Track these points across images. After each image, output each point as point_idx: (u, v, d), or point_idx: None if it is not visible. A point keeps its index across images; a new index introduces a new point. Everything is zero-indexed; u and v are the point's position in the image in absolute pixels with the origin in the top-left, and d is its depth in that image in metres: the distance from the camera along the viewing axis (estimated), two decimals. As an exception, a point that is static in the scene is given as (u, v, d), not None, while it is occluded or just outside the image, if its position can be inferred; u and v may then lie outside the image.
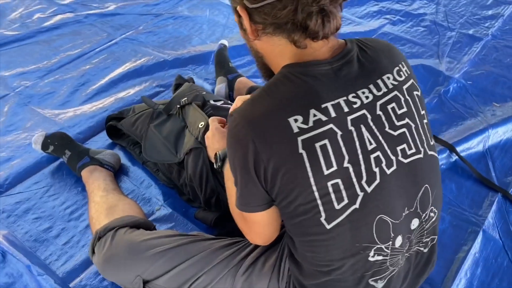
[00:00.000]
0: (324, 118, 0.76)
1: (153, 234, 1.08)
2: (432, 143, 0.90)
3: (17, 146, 1.54)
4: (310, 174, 0.76)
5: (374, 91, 0.82)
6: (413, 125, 0.85)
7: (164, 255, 1.02)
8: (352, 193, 0.78)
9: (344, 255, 0.83)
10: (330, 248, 0.82)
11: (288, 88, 0.79)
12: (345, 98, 0.79)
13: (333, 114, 0.77)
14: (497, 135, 1.57)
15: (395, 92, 0.84)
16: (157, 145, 1.38)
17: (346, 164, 0.77)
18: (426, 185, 0.87)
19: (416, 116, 0.86)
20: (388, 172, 0.80)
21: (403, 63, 0.89)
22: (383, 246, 0.83)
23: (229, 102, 1.51)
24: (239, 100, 1.23)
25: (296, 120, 0.75)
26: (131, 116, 1.48)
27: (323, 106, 0.77)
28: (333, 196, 0.77)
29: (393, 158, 0.81)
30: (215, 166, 1.10)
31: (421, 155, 0.85)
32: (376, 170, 0.79)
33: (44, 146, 1.44)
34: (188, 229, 1.30)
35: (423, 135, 0.86)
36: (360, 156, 0.78)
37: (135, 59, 1.92)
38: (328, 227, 0.80)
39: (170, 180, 1.41)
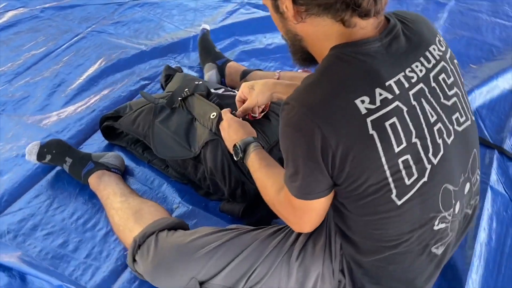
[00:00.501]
0: (390, 96, 0.76)
1: (196, 233, 1.04)
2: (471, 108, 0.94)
3: (3, 159, 1.41)
4: (381, 154, 0.76)
5: (425, 63, 0.83)
6: (460, 93, 0.87)
7: (215, 253, 0.99)
8: (421, 167, 0.79)
9: (413, 227, 0.84)
10: (400, 223, 0.84)
11: (345, 69, 0.78)
12: (403, 74, 0.79)
13: (397, 91, 0.77)
14: (482, 95, 1.66)
15: (442, 63, 0.85)
16: (167, 142, 1.31)
17: (414, 140, 0.78)
18: (475, 150, 0.90)
19: (460, 84, 0.89)
20: (449, 142, 0.83)
21: (439, 33, 0.91)
22: (446, 214, 0.86)
23: (229, 89, 1.47)
24: (244, 87, 1.21)
25: (363, 102, 0.74)
26: (129, 114, 1.40)
27: (387, 84, 0.77)
28: (403, 172, 0.78)
29: (451, 127, 0.84)
30: (235, 158, 1.10)
31: (469, 122, 0.88)
32: (440, 141, 0.81)
33: (40, 156, 1.33)
34: (212, 223, 1.26)
35: (467, 101, 0.90)
36: (425, 130, 0.79)
37: (110, 53, 1.81)
38: (398, 203, 0.81)
39: (183, 176, 1.36)
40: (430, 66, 0.83)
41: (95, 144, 1.48)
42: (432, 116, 0.81)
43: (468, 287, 1.12)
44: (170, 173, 1.38)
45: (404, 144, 0.77)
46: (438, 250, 0.91)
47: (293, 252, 1.00)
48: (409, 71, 0.80)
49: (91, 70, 1.74)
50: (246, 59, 1.82)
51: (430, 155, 0.80)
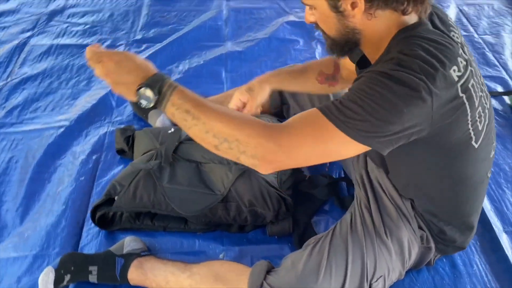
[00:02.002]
0: (464, 62, 0.87)
1: (294, 264, 1.04)
2: None
3: None
4: (468, 111, 0.88)
5: (457, 36, 0.96)
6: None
7: (330, 269, 1.01)
8: (484, 113, 0.94)
9: (483, 163, 1.00)
10: (476, 162, 0.98)
11: (429, 47, 0.84)
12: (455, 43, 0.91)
13: (466, 57, 0.89)
14: None
15: (463, 39, 0.99)
16: (188, 197, 1.24)
17: (480, 93, 0.92)
18: None
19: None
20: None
21: None
22: (495, 143, 1.04)
23: None
24: (241, 93, 1.20)
25: (454, 70, 0.84)
26: (124, 191, 1.27)
27: (460, 52, 0.88)
28: (478, 121, 0.91)
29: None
30: (144, 106, 0.85)
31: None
32: (484, 93, 0.96)
33: (58, 281, 1.12)
34: (269, 250, 1.26)
35: None
36: (481, 85, 0.94)
37: (28, 149, 1.56)
38: (476, 146, 0.94)
39: (210, 224, 1.30)
40: (460, 40, 0.95)
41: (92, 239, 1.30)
42: (477, 76, 0.95)
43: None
44: (193, 228, 1.31)
45: (478, 100, 0.90)
46: (489, 174, 1.09)
47: (380, 232, 1.07)
48: (456, 42, 0.91)
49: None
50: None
51: (485, 101, 0.95)
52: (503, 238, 1.32)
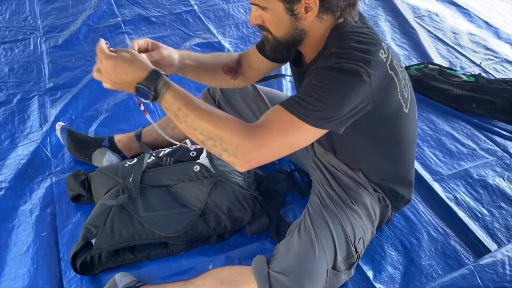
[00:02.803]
0: (386, 46, 1.06)
1: (284, 250, 1.15)
2: None
3: None
4: (397, 84, 1.07)
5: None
6: None
7: (322, 244, 1.13)
8: (406, 83, 1.14)
9: (413, 124, 1.21)
10: (408, 123, 1.18)
11: (359, 38, 1.02)
12: None
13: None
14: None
15: None
16: (167, 220, 1.28)
17: (400, 69, 1.11)
18: None
19: None
20: None
21: None
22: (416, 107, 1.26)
23: (151, 151, 1.47)
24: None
25: (382, 54, 1.02)
26: (100, 232, 1.26)
27: (381, 39, 1.07)
28: (404, 90, 1.11)
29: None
30: (145, 101, 0.98)
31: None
32: (402, 68, 1.16)
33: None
34: (253, 249, 1.35)
35: None
36: (399, 61, 1.14)
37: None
38: (406, 111, 1.15)
39: (192, 241, 1.34)
40: None
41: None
42: None
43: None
44: (176, 250, 1.34)
45: (400, 74, 1.10)
46: (416, 134, 1.31)
47: (348, 202, 1.23)
48: None
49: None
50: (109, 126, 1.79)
51: (405, 74, 1.16)
52: (435, 186, 1.57)
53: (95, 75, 0.99)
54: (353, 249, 1.18)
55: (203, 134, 0.97)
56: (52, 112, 1.87)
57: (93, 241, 1.27)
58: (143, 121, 1.82)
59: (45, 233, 1.40)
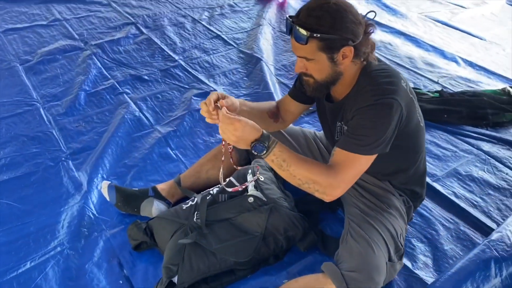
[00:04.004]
0: (403, 76, 1.37)
1: (347, 254, 1.38)
2: None
3: None
4: (416, 104, 1.39)
5: None
6: None
7: (375, 244, 1.38)
8: (417, 101, 1.46)
9: (424, 135, 1.52)
10: (423, 136, 1.50)
11: (386, 72, 1.33)
12: None
13: None
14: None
15: None
16: (238, 248, 1.48)
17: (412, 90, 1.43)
18: None
19: None
20: None
21: None
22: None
23: (215, 188, 1.67)
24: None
25: (403, 82, 1.33)
26: (180, 269, 1.43)
27: (398, 71, 1.38)
28: (418, 108, 1.43)
29: None
30: (257, 154, 1.26)
31: None
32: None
33: None
34: (307, 261, 1.57)
35: None
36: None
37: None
38: (422, 125, 1.46)
39: (254, 265, 1.53)
40: None
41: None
42: None
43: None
44: (243, 275, 1.52)
45: (415, 95, 1.41)
46: None
47: (383, 207, 1.51)
48: None
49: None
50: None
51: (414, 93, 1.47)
52: (436, 186, 1.89)
53: (221, 133, 1.27)
54: (399, 243, 1.44)
55: (300, 180, 1.28)
56: (82, 175, 2.00)
57: (174, 279, 1.44)
58: (170, 170, 2.01)
59: (121, 281, 1.53)
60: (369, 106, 1.28)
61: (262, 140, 1.25)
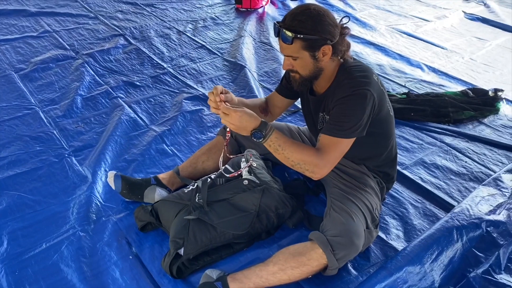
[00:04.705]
0: (375, 72, 1.62)
1: (329, 224, 1.60)
2: None
3: None
4: (386, 94, 1.64)
5: None
6: None
7: (354, 215, 1.60)
8: (386, 92, 1.72)
9: (394, 122, 1.78)
10: (393, 123, 1.76)
11: (361, 67, 1.59)
12: None
13: None
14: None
15: None
16: (236, 223, 1.69)
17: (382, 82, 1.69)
18: None
19: None
20: None
21: None
22: None
23: (210, 177, 1.87)
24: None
25: (374, 76, 1.58)
26: (186, 241, 1.62)
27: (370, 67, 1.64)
28: (387, 98, 1.68)
29: None
30: (257, 141, 1.49)
31: None
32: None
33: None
34: (296, 236, 1.79)
35: None
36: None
37: None
38: (391, 113, 1.72)
39: (249, 240, 1.75)
40: None
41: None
42: None
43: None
44: (239, 248, 1.73)
45: (383, 86, 1.67)
46: None
47: (360, 185, 1.75)
48: None
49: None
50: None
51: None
52: (406, 172, 2.16)
53: (223, 121, 1.48)
54: (374, 214, 1.68)
55: (293, 161, 1.52)
56: (86, 169, 2.17)
57: (179, 251, 1.63)
58: (167, 164, 2.21)
59: (131, 257, 1.71)
60: (347, 97, 1.53)
61: (260, 128, 1.49)
